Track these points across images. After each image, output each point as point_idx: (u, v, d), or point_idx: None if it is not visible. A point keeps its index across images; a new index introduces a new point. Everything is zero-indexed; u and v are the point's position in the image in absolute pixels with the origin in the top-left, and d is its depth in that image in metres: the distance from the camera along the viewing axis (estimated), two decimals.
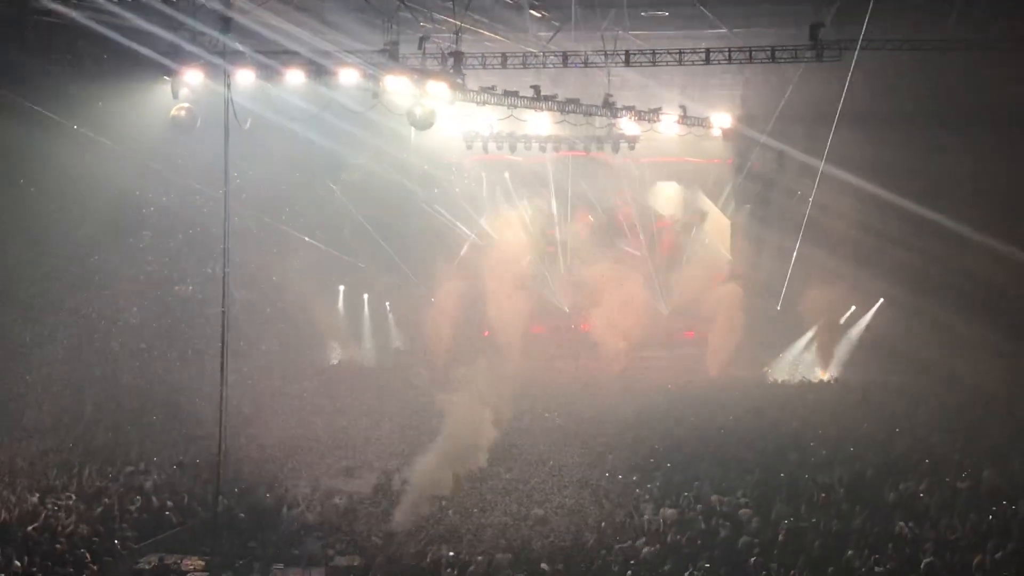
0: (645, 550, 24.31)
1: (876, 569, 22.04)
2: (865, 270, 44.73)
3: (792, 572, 22.11)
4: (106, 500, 27.63)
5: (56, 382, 35.82)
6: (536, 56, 32.70)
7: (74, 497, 27.52)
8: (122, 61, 31.77)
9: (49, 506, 26.56)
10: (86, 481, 29.19)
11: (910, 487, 28.14)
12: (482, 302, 49.18)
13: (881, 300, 45.65)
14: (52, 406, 34.68)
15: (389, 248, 48.29)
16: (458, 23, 30.67)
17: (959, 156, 39.57)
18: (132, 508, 27.51)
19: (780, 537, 24.33)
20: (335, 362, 47.56)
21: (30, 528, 24.91)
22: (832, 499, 27.38)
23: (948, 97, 36.66)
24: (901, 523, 24.83)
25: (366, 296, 50.49)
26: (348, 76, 30.99)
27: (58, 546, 24.05)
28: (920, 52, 31.28)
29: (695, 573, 22.59)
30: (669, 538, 25.02)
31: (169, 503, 28.07)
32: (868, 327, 45.83)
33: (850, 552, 23.03)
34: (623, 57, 32.06)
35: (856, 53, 30.79)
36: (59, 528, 25.14)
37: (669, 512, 26.83)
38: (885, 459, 31.46)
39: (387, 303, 50.76)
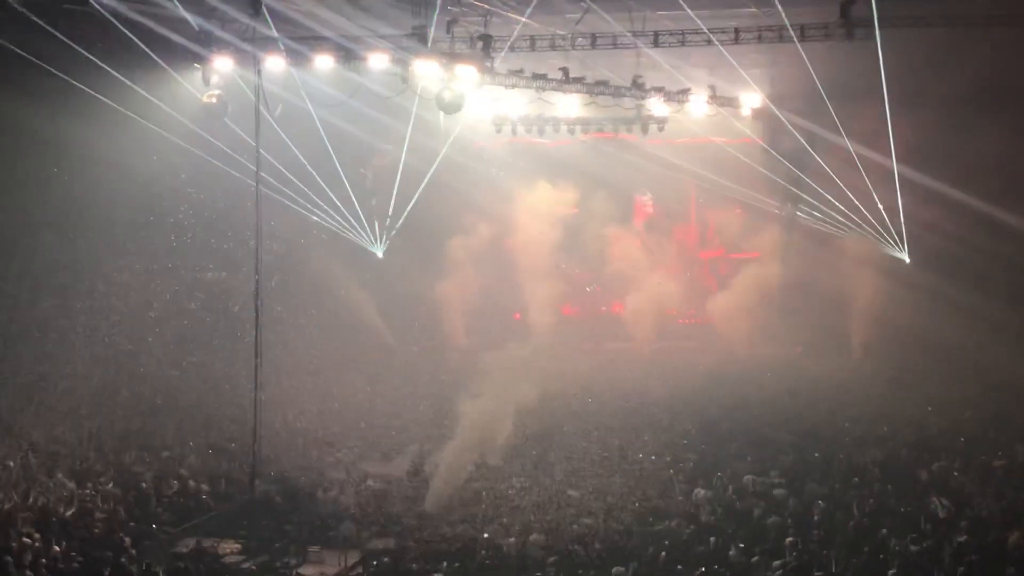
0: (679, 531, 24.37)
1: (911, 548, 22.00)
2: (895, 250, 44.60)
3: (827, 552, 22.08)
4: (143, 485, 27.88)
5: (90, 368, 36.07)
6: (564, 38, 32.61)
7: (112, 483, 27.79)
8: (153, 48, 31.92)
9: (87, 491, 26.82)
10: (123, 466, 29.45)
11: (944, 466, 28.09)
12: (513, 285, 49.20)
13: None
14: (87, 392, 34.91)
15: (419, 232, 48.36)
16: (486, 6, 30.66)
17: (994, 137, 38.96)
18: (169, 492, 27.76)
19: (815, 517, 24.33)
20: (368, 346, 47.62)
21: (68, 513, 25.17)
22: (866, 478, 27.34)
23: (985, 76, 36.12)
24: (936, 499, 24.77)
25: (397, 280, 50.56)
26: (377, 61, 31.02)
27: (96, 531, 24.30)
28: (954, 29, 30.90)
29: (729, 553, 22.61)
30: (703, 518, 25.08)
31: (205, 487, 28.30)
32: (898, 311, 45.38)
33: (885, 531, 23.00)
34: (652, 38, 31.94)
35: (882, 30, 30.43)
36: (97, 513, 25.40)
37: (703, 493, 26.87)
38: (919, 438, 31.41)
39: (419, 286, 50.79)
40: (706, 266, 52.04)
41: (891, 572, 20.67)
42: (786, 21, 31.32)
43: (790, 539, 22.86)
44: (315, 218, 43.49)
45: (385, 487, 29.43)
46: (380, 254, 46.78)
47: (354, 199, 44.54)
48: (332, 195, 44.46)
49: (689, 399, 37.85)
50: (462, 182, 49.63)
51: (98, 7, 29.83)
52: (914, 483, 27.07)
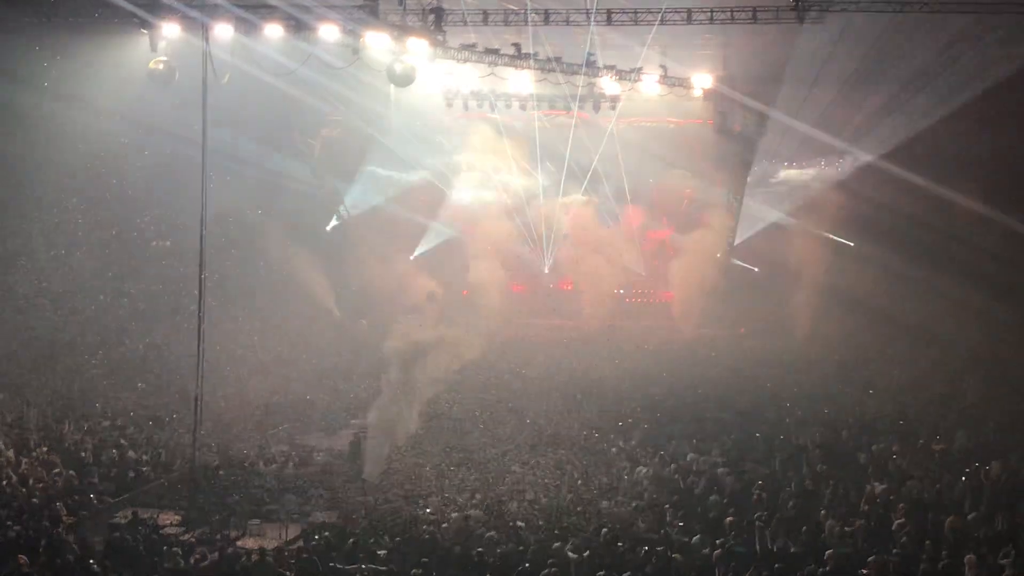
0: (621, 508, 24.47)
1: (846, 529, 22.21)
2: (843, 230, 45.00)
3: (766, 532, 22.22)
4: (82, 454, 27.62)
5: (32, 336, 35.68)
6: (518, 13, 32.46)
7: (50, 451, 27.48)
8: (99, 14, 31.50)
9: (25, 460, 26.49)
10: (64, 435, 29.13)
11: (884, 449, 28.36)
12: (462, 261, 49.11)
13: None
14: (28, 361, 34.54)
15: (369, 204, 48.30)
16: None
17: (947, 120, 39.01)
18: (108, 462, 27.49)
19: (754, 496, 24.48)
20: (315, 318, 47.40)
21: (4, 482, 24.85)
22: (806, 459, 27.55)
23: (933, 60, 36.28)
24: (875, 483, 25.03)
25: (346, 254, 50.41)
26: (328, 31, 30.73)
27: (34, 500, 24.02)
28: (902, 13, 31.00)
29: (668, 531, 22.70)
30: (645, 496, 25.18)
31: (145, 457, 28.07)
32: (846, 286, 45.62)
33: (823, 511, 23.19)
34: (605, 15, 31.87)
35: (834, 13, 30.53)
36: (35, 482, 25.11)
37: (644, 470, 27.00)
38: (860, 420, 31.68)
39: (367, 261, 50.67)
40: (654, 245, 52.12)
41: (828, 552, 20.83)
42: (738, 3, 31.38)
43: (730, 518, 23.01)
44: (265, 188, 43.28)
45: (328, 461, 29.35)
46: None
47: (303, 170, 44.34)
48: (281, 165, 44.28)
49: (634, 378, 37.96)
50: (415, 155, 49.53)
51: None
52: (854, 465, 27.31)
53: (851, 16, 30.78)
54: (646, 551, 21.27)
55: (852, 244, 45.01)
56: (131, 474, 27.15)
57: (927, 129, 38.95)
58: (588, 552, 21.41)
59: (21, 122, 34.87)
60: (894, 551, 20.99)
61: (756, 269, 47.89)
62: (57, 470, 26.13)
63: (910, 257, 40.61)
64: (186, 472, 27.24)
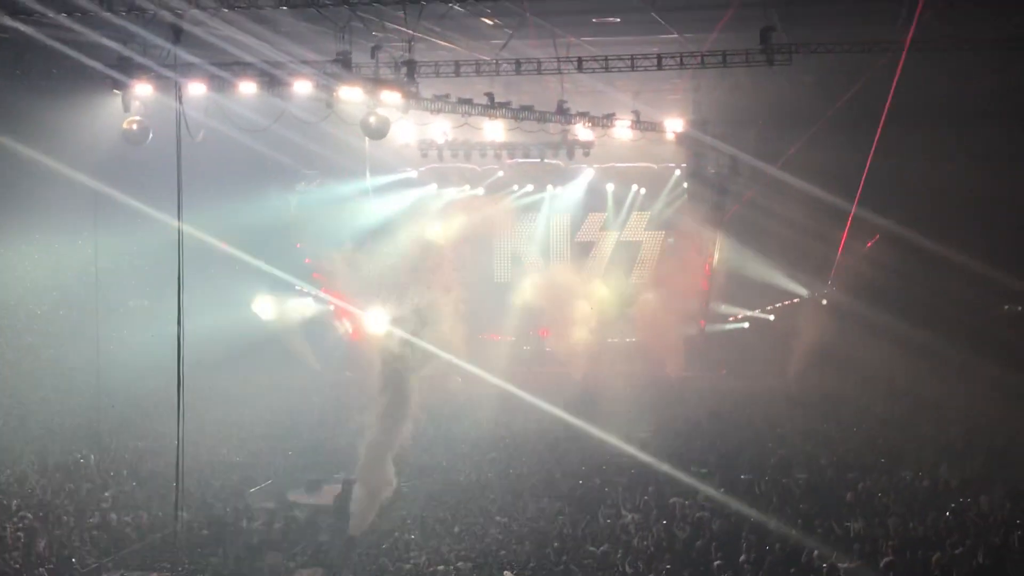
0: (607, 555, 24.38)
1: (839, 566, 22.17)
2: (816, 277, 45.36)
3: (754, 574, 22.17)
4: (64, 518, 27.35)
5: (9, 398, 35.44)
6: (489, 64, 32.66)
7: (30, 516, 27.21)
8: (72, 75, 31.55)
9: (7, 526, 26.22)
10: (45, 498, 28.86)
11: (868, 487, 28.38)
12: (434, 310, 48.92)
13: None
14: (4, 424, 34.31)
15: (346, 260, 48.30)
16: (411, 32, 30.63)
17: (912, 158, 39.07)
18: (90, 525, 27.25)
19: (742, 539, 24.42)
20: (295, 373, 47.22)
21: None
22: (791, 500, 27.54)
23: (901, 98, 36.49)
24: (861, 520, 25.06)
25: (326, 308, 50.39)
26: (301, 87, 30.86)
27: (16, 566, 23.76)
28: (873, 53, 31.27)
29: None
30: (633, 543, 25.10)
31: (128, 519, 27.84)
32: (815, 335, 45.61)
33: (815, 552, 23.12)
34: (576, 63, 32.07)
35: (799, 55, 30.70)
36: (17, 548, 24.85)
37: (630, 516, 26.92)
38: (843, 459, 31.71)
39: (346, 316, 50.58)
40: (633, 289, 52.10)
41: None
42: (708, 48, 31.66)
43: (718, 562, 22.95)
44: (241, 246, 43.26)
45: (312, 516, 29.16)
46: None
47: (279, 226, 44.29)
48: (258, 222, 44.25)
49: (616, 422, 37.83)
50: (390, 208, 49.64)
51: (15, 32, 29.42)
52: (840, 504, 27.29)
53: (823, 56, 31.01)
54: None
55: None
56: (115, 536, 26.91)
57: (889, 166, 38.88)
58: None
59: None
60: None
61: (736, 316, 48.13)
62: (39, 535, 25.86)
63: (877, 306, 40.67)
64: (169, 532, 27.03)
